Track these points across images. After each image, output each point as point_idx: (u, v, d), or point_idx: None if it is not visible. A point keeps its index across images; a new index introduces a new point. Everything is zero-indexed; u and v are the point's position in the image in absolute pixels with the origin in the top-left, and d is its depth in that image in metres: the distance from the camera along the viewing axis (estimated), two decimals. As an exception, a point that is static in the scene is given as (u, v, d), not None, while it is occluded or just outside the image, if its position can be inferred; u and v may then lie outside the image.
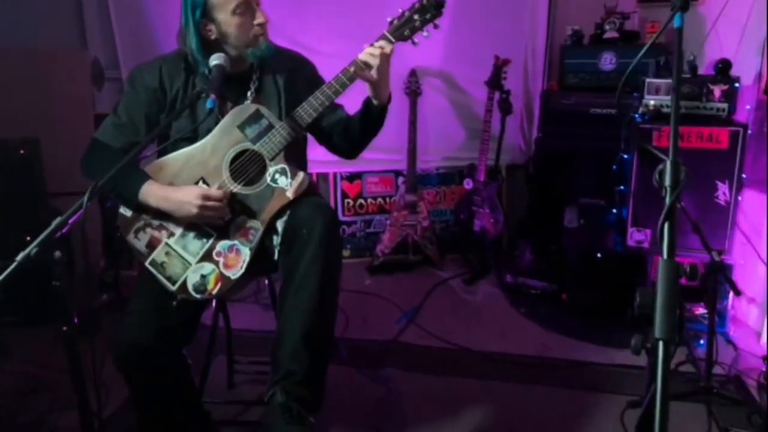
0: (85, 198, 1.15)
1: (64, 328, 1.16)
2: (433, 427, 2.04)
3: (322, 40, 2.94)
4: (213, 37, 1.65)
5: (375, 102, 1.65)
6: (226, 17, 1.61)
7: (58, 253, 1.09)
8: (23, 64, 3.01)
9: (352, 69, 1.61)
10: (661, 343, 0.74)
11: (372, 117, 1.69)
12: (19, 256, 1.04)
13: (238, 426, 2.03)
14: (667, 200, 0.80)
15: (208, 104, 1.46)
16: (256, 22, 1.64)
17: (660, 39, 2.69)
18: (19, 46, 3.12)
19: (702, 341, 2.48)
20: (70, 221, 1.12)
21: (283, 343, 1.52)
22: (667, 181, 0.82)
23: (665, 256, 0.78)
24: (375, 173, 3.59)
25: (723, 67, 2.56)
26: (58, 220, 1.11)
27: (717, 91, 2.52)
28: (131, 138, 1.68)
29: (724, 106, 2.52)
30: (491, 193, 3.36)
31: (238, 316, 2.18)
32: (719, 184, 2.53)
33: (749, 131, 2.49)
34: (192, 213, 1.58)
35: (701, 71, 2.69)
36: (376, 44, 1.59)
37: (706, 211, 2.52)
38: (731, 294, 2.58)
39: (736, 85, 2.52)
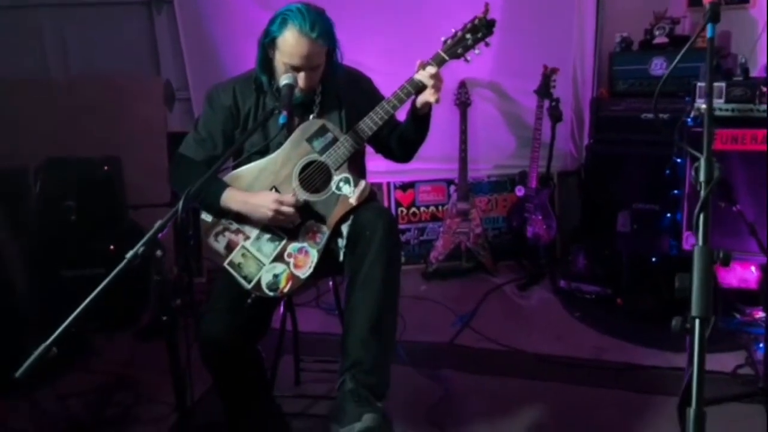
0: (180, 204, 1.32)
1: (164, 318, 1.32)
2: (490, 425, 2.12)
3: (379, 58, 3.08)
4: (271, 57, 1.81)
5: (421, 109, 1.79)
6: (279, 59, 1.76)
7: (159, 252, 1.26)
8: (104, 90, 3.32)
9: (409, 86, 1.76)
10: (697, 321, 0.82)
11: (420, 123, 1.84)
12: (129, 254, 1.21)
13: (306, 418, 2.16)
14: (702, 194, 0.89)
15: (281, 120, 1.61)
16: (299, 84, 1.75)
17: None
18: (102, 70, 3.47)
19: (761, 345, 2.46)
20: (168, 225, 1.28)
21: (351, 333, 1.65)
22: (702, 177, 0.91)
23: (700, 243, 0.87)
24: (427, 182, 3.68)
25: (776, 69, 2.56)
26: (159, 222, 1.28)
27: (771, 93, 2.52)
28: (210, 152, 1.86)
29: (778, 107, 2.51)
30: (543, 199, 3.41)
31: (301, 320, 2.32)
32: (776, 186, 2.51)
33: (805, 133, 2.47)
34: (267, 216, 1.74)
35: (754, 73, 2.69)
36: (429, 67, 1.72)
37: (763, 214, 2.51)
38: (791, 297, 2.55)
39: (791, 86, 2.51)
